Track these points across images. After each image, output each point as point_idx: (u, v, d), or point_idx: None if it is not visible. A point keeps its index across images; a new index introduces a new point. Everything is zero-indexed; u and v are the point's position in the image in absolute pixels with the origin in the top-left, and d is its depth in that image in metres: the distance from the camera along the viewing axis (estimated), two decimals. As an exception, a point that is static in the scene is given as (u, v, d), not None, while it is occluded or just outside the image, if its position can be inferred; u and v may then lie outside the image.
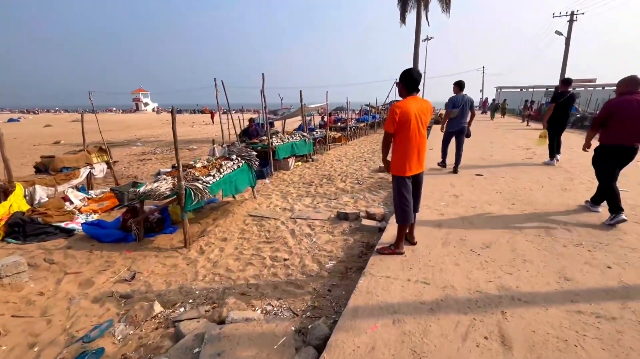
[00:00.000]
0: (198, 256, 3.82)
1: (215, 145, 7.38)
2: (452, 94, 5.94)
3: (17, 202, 4.58)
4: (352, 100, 20.18)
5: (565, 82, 6.28)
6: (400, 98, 2.91)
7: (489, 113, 22.82)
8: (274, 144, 7.83)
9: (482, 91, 47.86)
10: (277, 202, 5.68)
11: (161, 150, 14.17)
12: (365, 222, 4.16)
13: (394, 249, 2.99)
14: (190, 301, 2.91)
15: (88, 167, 5.65)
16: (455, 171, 5.97)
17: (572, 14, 22.00)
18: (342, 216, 4.58)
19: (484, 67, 48.67)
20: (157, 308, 2.69)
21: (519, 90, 39.21)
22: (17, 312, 2.69)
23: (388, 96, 26.37)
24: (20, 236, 4.32)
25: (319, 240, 3.99)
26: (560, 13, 22.75)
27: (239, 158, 5.36)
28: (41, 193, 4.87)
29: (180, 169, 3.88)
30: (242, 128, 9.88)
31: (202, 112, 52.02)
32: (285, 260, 3.57)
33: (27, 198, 4.75)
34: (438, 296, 2.24)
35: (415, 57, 17.72)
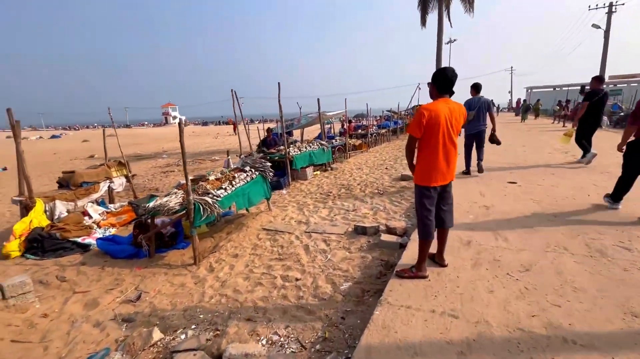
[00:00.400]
0: (207, 275, 3.64)
1: (229, 157, 7.31)
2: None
3: (37, 218, 4.66)
4: (374, 107, 19.83)
5: (598, 79, 6.09)
6: (430, 101, 2.59)
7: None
8: (291, 154, 7.66)
9: (510, 92, 45.72)
10: (293, 214, 5.44)
11: (181, 163, 14.47)
12: (385, 237, 3.81)
13: (415, 272, 2.64)
14: (193, 326, 2.70)
15: (107, 181, 5.72)
16: (480, 170, 5.86)
17: (611, 5, 20.49)
18: (359, 231, 4.25)
19: (512, 67, 46.56)
20: (157, 335, 2.50)
21: (551, 89, 36.98)
22: (18, 336, 2.59)
23: (411, 101, 25.75)
24: (39, 252, 4.36)
25: (334, 257, 3.69)
26: (597, 5, 21.30)
27: (253, 170, 5.20)
28: (61, 208, 4.94)
29: (189, 183, 3.74)
30: (261, 138, 9.83)
31: (227, 123, 53.45)
32: (297, 280, 3.30)
33: (47, 213, 4.82)
34: (469, 334, 1.87)
35: (438, 60, 17.13)
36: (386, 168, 8.68)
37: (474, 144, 5.95)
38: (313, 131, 17.23)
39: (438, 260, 2.74)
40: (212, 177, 4.98)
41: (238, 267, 3.73)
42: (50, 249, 4.38)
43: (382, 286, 2.83)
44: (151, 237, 4.11)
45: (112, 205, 5.95)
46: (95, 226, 5.11)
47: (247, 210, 5.01)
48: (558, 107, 19.49)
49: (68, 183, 5.28)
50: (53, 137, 39.68)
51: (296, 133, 12.63)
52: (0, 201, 7.58)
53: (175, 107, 75.01)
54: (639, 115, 3.45)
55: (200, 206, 3.81)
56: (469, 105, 5.71)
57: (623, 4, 20.64)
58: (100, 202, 5.88)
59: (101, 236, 4.88)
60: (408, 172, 7.20)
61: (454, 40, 36.93)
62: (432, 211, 2.54)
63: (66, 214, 5.01)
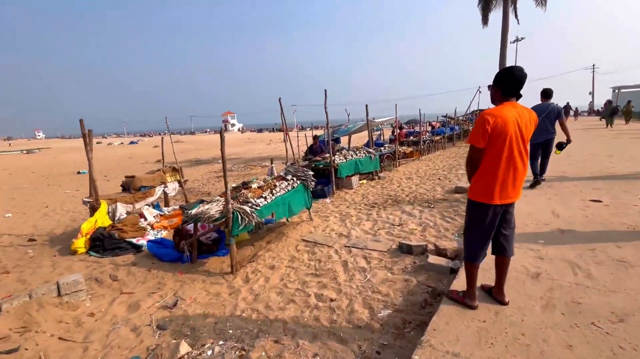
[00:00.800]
0: (242, 286, 3.58)
1: (273, 164, 7.36)
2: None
3: (101, 218, 5.10)
4: (429, 112, 18.80)
5: None
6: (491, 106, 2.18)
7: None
8: (336, 162, 7.47)
9: (592, 93, 40.10)
10: (334, 226, 5.21)
11: (237, 168, 15.17)
12: (433, 259, 3.38)
13: (462, 297, 2.26)
14: (221, 342, 2.61)
15: (162, 185, 6.10)
16: (537, 181, 5.43)
17: None
18: (404, 249, 3.87)
19: (594, 65, 40.87)
20: (183, 349, 2.45)
21: (646, 89, 31.60)
22: (65, 334, 2.75)
23: (470, 105, 23.94)
24: (100, 250, 4.75)
25: (373, 278, 3.37)
26: None
27: (295, 179, 5.10)
28: (121, 210, 5.36)
29: (228, 191, 3.74)
30: (308, 145, 9.83)
31: (280, 130, 55.49)
32: (331, 300, 3.05)
33: (110, 214, 5.26)
34: (537, 405, 1.45)
35: (502, 60, 15.62)
36: (439, 179, 8.01)
37: (541, 153, 5.51)
38: (362, 138, 16.89)
39: (496, 296, 2.29)
40: (254, 185, 4.99)
41: (273, 280, 3.61)
42: (109, 248, 4.74)
43: (427, 318, 2.46)
44: (193, 243, 4.21)
45: (165, 208, 6.34)
46: (149, 227, 5.45)
47: (287, 219, 4.92)
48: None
49: (129, 186, 5.73)
50: (131, 143, 44.94)
51: (344, 141, 12.43)
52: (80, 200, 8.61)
53: (234, 115, 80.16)
54: None
55: (239, 215, 3.78)
56: (535, 111, 5.04)
57: None
58: (155, 205, 6.30)
59: (153, 238, 5.18)
60: (463, 184, 6.53)
61: (522, 38, 33.75)
62: (487, 235, 2.14)
63: (125, 215, 5.42)
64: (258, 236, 5.08)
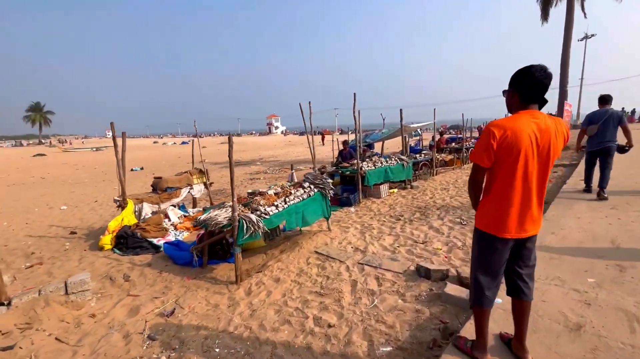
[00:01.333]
0: (243, 298, 3.43)
1: (293, 171, 7.20)
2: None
3: (127, 217, 5.32)
4: (476, 117, 17.48)
5: None
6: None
7: None
8: (363, 169, 7.10)
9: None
10: (352, 238, 4.88)
11: (272, 170, 15.37)
12: (451, 289, 2.92)
13: (470, 349, 1.85)
14: (204, 362, 2.46)
15: (188, 187, 6.25)
16: (600, 196, 5.07)
17: None
18: (422, 273, 3.43)
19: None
20: (162, 366, 2.34)
21: None
22: (63, 334, 2.80)
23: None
24: (123, 248, 4.94)
25: (381, 304, 3.01)
26: None
27: (312, 186, 4.87)
28: (147, 209, 5.56)
29: (234, 198, 3.62)
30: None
31: (321, 133, 55.88)
32: (329, 326, 2.76)
33: (136, 213, 5.48)
34: None
35: (565, 61, 13.89)
36: (478, 191, 7.25)
37: (599, 163, 5.27)
38: (399, 144, 16.19)
39: (516, 352, 1.83)
40: (271, 191, 4.86)
41: (275, 295, 3.41)
42: (131, 246, 4.91)
43: (433, 364, 2.07)
44: (204, 248, 4.16)
45: (191, 210, 6.48)
46: (171, 228, 5.58)
47: (300, 229, 4.69)
48: None
49: (156, 187, 5.94)
50: (183, 143, 48.23)
51: (377, 147, 11.94)
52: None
53: (278, 117, 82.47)
54: None
55: (244, 224, 3.64)
56: (590, 118, 5.23)
57: None
58: (180, 206, 6.47)
59: (173, 239, 5.29)
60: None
61: (592, 35, 30.20)
62: (497, 272, 1.73)
63: (150, 215, 5.60)
64: (274, 244, 4.94)
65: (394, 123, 11.14)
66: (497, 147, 1.56)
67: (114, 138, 4.98)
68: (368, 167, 7.25)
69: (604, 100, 5.22)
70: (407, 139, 9.61)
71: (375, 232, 5.07)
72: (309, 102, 7.91)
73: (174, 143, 48.95)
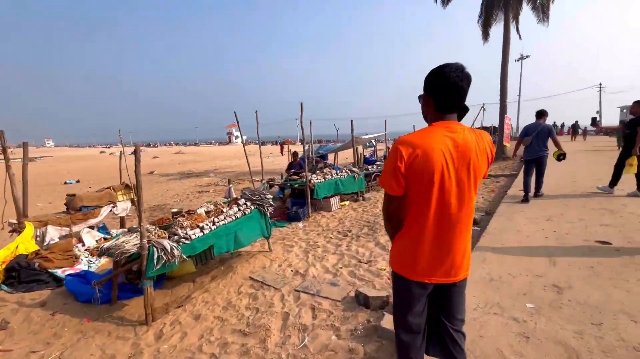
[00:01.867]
0: (150, 344, 2.84)
1: (231, 186, 6.68)
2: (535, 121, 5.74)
3: (24, 244, 4.42)
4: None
5: (637, 103, 5.57)
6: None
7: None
8: (312, 181, 6.76)
9: (599, 112, 39.11)
10: (294, 260, 4.46)
11: (224, 182, 14.55)
12: (387, 323, 2.59)
13: None
14: None
15: (110, 205, 5.44)
16: (536, 196, 5.87)
17: None
18: (361, 300, 3.09)
19: (601, 84, 40.03)
20: None
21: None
22: None
23: (473, 123, 23.16)
24: (15, 283, 4.05)
25: (312, 343, 2.60)
26: None
27: (248, 204, 4.40)
28: (53, 233, 4.70)
29: (142, 223, 3.04)
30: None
31: (283, 143, 55.24)
32: (246, 378, 2.29)
33: (38, 239, 4.59)
34: None
35: (504, 78, 14.91)
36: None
37: (535, 170, 5.78)
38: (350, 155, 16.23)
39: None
40: (201, 210, 4.30)
41: (190, 338, 2.86)
42: (25, 281, 4.04)
43: None
44: (112, 280, 3.49)
45: (114, 231, 5.65)
46: (85, 254, 4.76)
47: (231, 254, 4.17)
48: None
49: (69, 206, 5.08)
50: (133, 153, 44.95)
51: (331, 158, 11.75)
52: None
53: (239, 127, 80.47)
54: None
55: (155, 252, 3.07)
56: (525, 130, 5.73)
57: None
58: (100, 228, 5.63)
59: (86, 267, 4.50)
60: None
61: (527, 56, 33.28)
62: (419, 326, 1.40)
63: (57, 240, 4.74)
64: (205, 270, 4.36)
65: (348, 134, 11.06)
66: (406, 170, 1.25)
67: (4, 149, 4.12)
68: (317, 179, 6.93)
69: (540, 114, 5.68)
70: (361, 150, 9.51)
71: (320, 251, 4.69)
72: (256, 111, 7.50)
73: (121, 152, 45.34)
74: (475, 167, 1.27)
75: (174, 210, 4.38)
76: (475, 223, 5.09)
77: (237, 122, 6.43)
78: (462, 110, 1.31)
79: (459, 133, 1.26)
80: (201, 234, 3.60)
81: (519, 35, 15.19)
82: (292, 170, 7.98)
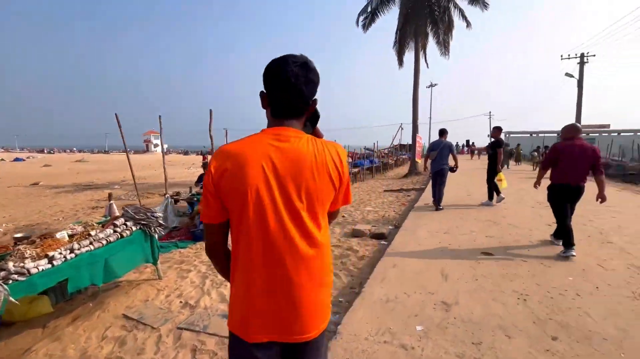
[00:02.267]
0: None
1: (112, 201, 5.76)
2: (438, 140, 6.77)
3: None
4: (352, 144, 18.95)
5: (496, 129, 7.11)
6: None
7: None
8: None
9: (490, 136, 46.56)
10: (188, 288, 3.85)
11: (130, 196, 12.77)
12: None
13: None
14: None
15: None
16: (437, 209, 6.60)
17: (583, 56, 20.97)
18: (252, 334, 2.70)
19: (490, 112, 47.86)
20: None
21: (528, 135, 37.75)
22: None
23: (393, 140, 25.17)
24: None
25: (179, 400, 2.10)
26: (569, 55, 21.74)
27: (128, 224, 3.66)
28: None
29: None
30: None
31: (208, 153, 52.44)
32: None
33: None
34: None
35: (415, 101, 16.53)
36: (343, 216, 7.25)
37: (437, 181, 6.64)
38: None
39: None
40: (62, 234, 3.42)
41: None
42: None
43: None
44: None
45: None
46: None
47: (97, 286, 3.37)
48: (536, 154, 19.19)
49: None
50: (16, 159, 37.28)
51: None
52: None
53: (158, 134, 73.86)
54: (548, 163, 4.00)
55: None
56: (432, 146, 6.79)
57: (594, 56, 21.17)
58: None
59: None
60: (361, 226, 5.79)
61: (435, 84, 37.80)
62: None
63: None
64: (69, 307, 3.46)
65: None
66: (215, 188, 0.96)
67: None
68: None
69: (441, 132, 6.77)
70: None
71: (219, 276, 4.16)
72: (159, 116, 6.71)
73: (2, 159, 37.12)
74: (309, 187, 0.99)
75: (18, 235, 3.41)
76: (384, 237, 5.18)
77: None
78: (314, 116, 1.07)
79: (292, 143, 0.99)
80: (49, 266, 2.79)
81: (427, 64, 17.05)
82: (200, 183, 7.24)
